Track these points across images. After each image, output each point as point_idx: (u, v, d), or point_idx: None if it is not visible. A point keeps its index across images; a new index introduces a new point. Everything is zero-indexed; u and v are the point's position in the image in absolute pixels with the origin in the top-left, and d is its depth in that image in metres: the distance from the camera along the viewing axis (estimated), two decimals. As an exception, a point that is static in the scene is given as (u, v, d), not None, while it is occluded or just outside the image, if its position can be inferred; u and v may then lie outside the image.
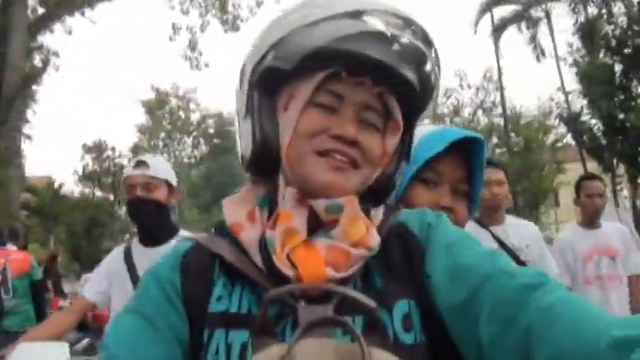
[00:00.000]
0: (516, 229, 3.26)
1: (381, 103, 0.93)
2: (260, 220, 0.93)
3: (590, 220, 4.05)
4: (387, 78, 0.90)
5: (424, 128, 1.32)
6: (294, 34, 0.89)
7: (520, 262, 3.06)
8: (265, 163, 0.95)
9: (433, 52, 0.93)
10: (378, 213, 0.97)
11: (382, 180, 0.96)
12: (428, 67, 0.93)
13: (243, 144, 0.98)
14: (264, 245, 0.88)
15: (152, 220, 2.65)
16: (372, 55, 0.87)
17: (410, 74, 0.91)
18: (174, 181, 2.72)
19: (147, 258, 2.53)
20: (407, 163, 1.03)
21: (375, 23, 0.88)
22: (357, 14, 0.88)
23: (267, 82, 0.93)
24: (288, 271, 0.83)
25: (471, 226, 3.23)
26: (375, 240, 0.88)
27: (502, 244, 3.13)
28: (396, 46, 0.89)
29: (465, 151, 1.28)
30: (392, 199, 1.21)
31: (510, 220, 3.37)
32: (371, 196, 0.96)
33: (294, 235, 0.87)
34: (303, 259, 0.84)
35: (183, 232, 2.70)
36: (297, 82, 0.91)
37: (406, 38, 0.89)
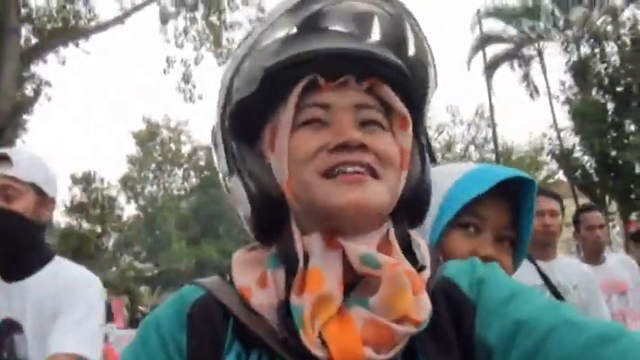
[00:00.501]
0: (565, 268, 3.02)
1: (376, 98, 0.79)
2: (274, 284, 0.76)
3: (594, 254, 3.75)
4: (370, 68, 0.77)
5: (462, 167, 1.17)
6: (247, 58, 0.79)
7: None
8: (272, 216, 0.79)
9: (410, 22, 0.80)
10: (426, 258, 0.80)
11: (410, 188, 0.81)
12: (410, 44, 0.80)
13: (240, 206, 0.82)
14: (285, 312, 0.73)
15: (11, 242, 1.82)
16: (342, 47, 0.74)
17: (392, 56, 0.78)
18: (48, 187, 1.89)
19: (7, 296, 1.82)
20: (433, 162, 0.88)
21: (333, 13, 0.76)
22: (308, 9, 0.76)
23: (244, 128, 0.81)
24: (318, 352, 0.69)
25: None
26: (424, 312, 0.72)
27: (547, 281, 2.92)
28: (363, 35, 0.77)
29: (511, 193, 1.11)
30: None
31: (561, 258, 3.15)
32: (404, 212, 0.81)
33: (328, 304, 0.72)
34: (335, 336, 0.70)
35: (59, 260, 1.93)
36: (275, 115, 0.79)
37: (374, 19, 0.77)
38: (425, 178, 0.84)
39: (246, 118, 0.81)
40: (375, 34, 0.79)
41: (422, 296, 0.73)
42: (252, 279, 0.79)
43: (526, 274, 2.91)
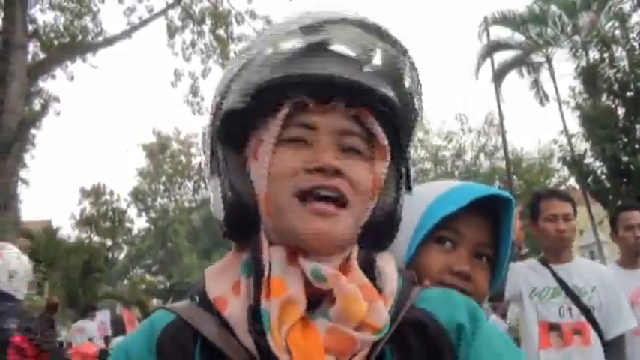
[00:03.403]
0: (582, 270, 2.94)
1: (361, 126, 0.82)
2: (246, 291, 0.79)
3: (633, 256, 3.52)
4: (361, 97, 0.80)
5: (442, 184, 1.17)
6: (245, 68, 0.81)
7: (581, 305, 2.81)
8: (242, 224, 0.83)
9: (408, 61, 0.84)
10: (389, 278, 0.83)
11: (381, 215, 0.85)
12: (406, 78, 0.84)
13: (215, 208, 0.86)
14: (251, 319, 0.75)
15: None
16: (338, 74, 0.77)
17: (386, 89, 0.81)
18: None
19: None
20: (409, 192, 0.90)
21: (338, 37, 0.80)
22: (314, 29, 0.79)
23: (231, 135, 0.84)
24: (284, 357, 0.72)
25: (529, 263, 3.00)
26: (381, 317, 0.76)
27: (563, 284, 2.86)
28: (365, 60, 0.80)
29: (491, 212, 1.10)
30: (401, 262, 1.05)
31: (578, 259, 3.04)
32: (372, 237, 0.85)
33: (293, 307, 0.75)
34: (298, 343, 0.72)
35: None
36: (263, 125, 0.82)
37: (377, 50, 0.80)
38: (397, 208, 0.87)
39: (234, 125, 0.83)
40: (376, 63, 0.82)
41: (378, 305, 0.77)
42: (227, 286, 0.81)
43: (542, 277, 2.90)
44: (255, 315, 0.75)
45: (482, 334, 0.80)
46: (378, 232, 0.85)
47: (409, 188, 0.90)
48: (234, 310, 0.78)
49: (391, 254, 0.91)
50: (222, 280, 0.83)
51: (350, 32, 0.80)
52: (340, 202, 0.77)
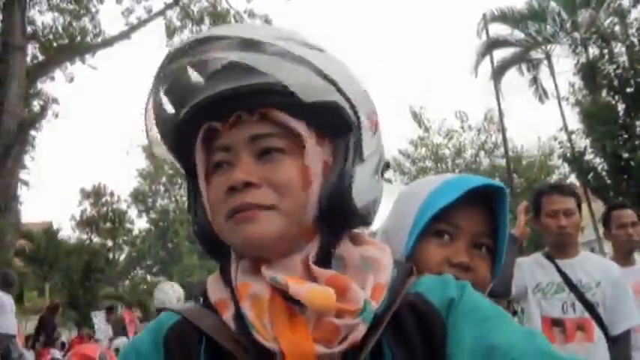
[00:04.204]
0: (587, 265, 2.91)
1: (275, 124, 0.81)
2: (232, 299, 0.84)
3: (625, 254, 3.57)
4: (255, 99, 0.79)
5: (438, 178, 1.18)
6: (153, 116, 0.87)
7: (585, 301, 2.79)
8: (215, 247, 0.87)
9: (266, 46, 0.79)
10: (384, 268, 0.84)
11: (330, 194, 0.81)
12: (283, 63, 0.78)
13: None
14: (238, 323, 0.80)
15: None
16: (218, 90, 0.78)
17: (280, 77, 0.77)
18: None
19: None
20: (360, 160, 0.86)
21: (199, 58, 0.79)
22: (175, 58, 0.81)
23: (190, 169, 0.87)
24: (272, 346, 0.75)
25: (535, 258, 3.01)
26: (356, 299, 0.78)
27: (567, 279, 2.84)
28: (237, 64, 0.78)
29: (487, 203, 1.13)
30: (401, 256, 1.07)
31: (585, 255, 3.02)
32: (327, 221, 0.83)
33: (261, 300, 0.79)
34: (286, 334, 0.76)
35: None
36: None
37: (235, 55, 0.78)
38: (340, 182, 0.82)
39: (182, 162, 0.89)
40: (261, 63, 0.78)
41: (352, 289, 0.78)
42: (227, 292, 0.84)
43: (547, 272, 2.89)
44: (242, 318, 0.79)
45: (466, 298, 0.82)
46: (330, 214, 0.82)
47: (360, 156, 0.86)
48: (231, 313, 0.82)
49: (389, 246, 0.92)
50: (220, 288, 0.87)
51: (218, 46, 0.79)
52: (262, 207, 0.78)
